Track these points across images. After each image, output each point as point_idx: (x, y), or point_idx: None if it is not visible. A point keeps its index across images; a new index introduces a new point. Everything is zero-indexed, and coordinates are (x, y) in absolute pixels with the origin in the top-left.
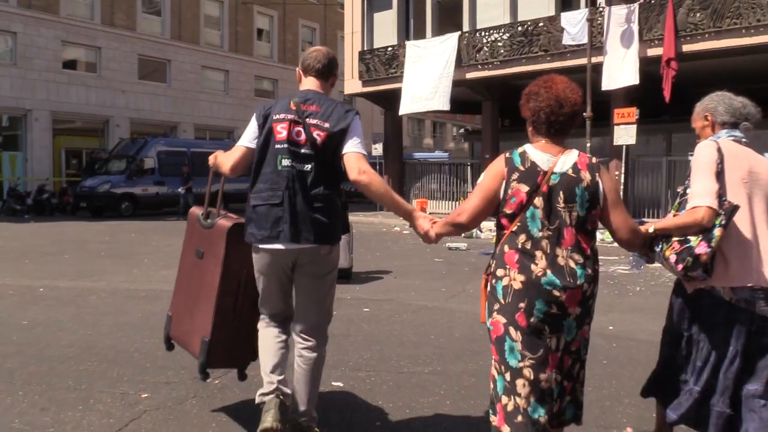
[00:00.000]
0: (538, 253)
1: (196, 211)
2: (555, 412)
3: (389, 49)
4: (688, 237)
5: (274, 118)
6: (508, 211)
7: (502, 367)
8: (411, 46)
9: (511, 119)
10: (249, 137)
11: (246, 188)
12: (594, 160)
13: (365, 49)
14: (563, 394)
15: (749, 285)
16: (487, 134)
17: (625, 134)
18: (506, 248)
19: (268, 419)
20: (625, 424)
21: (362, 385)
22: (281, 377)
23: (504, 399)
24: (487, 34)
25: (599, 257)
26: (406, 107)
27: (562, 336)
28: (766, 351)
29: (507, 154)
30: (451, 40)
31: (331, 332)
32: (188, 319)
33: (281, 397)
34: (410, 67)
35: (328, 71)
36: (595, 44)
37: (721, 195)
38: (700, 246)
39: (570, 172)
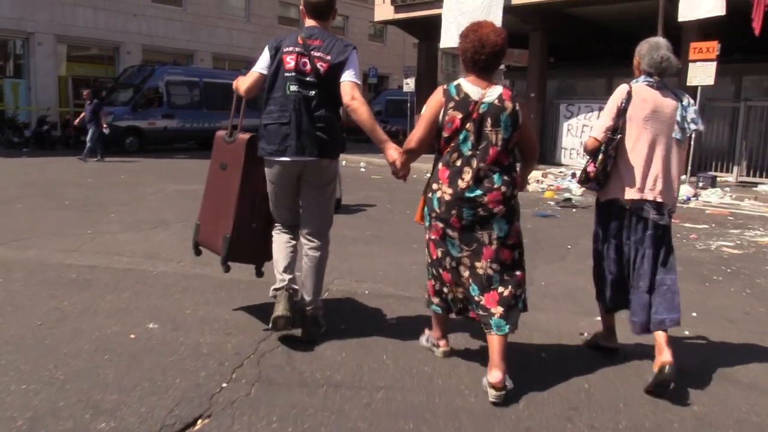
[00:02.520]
0: (466, 169)
1: (221, 132)
2: (499, 297)
3: None
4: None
5: (284, 50)
6: (445, 134)
7: (447, 258)
8: None
9: (558, 55)
10: (262, 64)
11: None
12: (514, 93)
13: None
14: (508, 281)
15: (638, 197)
16: (534, 70)
17: (701, 73)
18: (440, 165)
19: (280, 308)
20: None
21: None
22: (291, 276)
23: (437, 285)
24: None
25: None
26: (449, 40)
27: (493, 232)
28: (662, 248)
29: (444, 86)
30: None
31: (329, 379)
32: (213, 223)
33: (290, 291)
34: None
35: (328, 10)
36: None
37: (615, 129)
38: (590, 165)
39: (496, 102)
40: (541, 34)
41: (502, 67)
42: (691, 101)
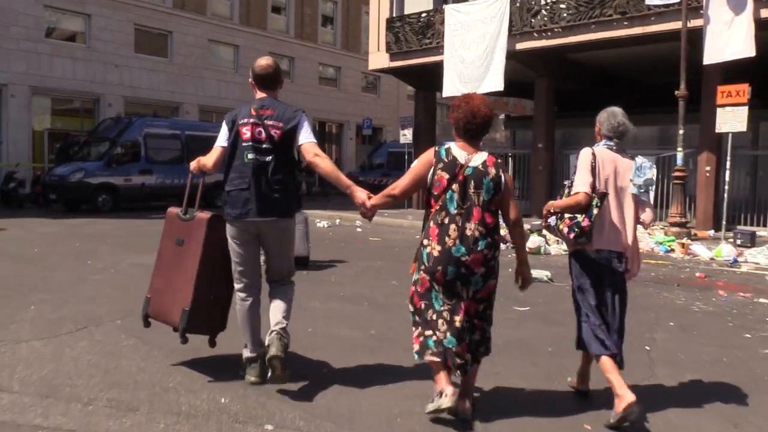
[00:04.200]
0: (452, 227)
1: (173, 209)
2: (468, 345)
3: (423, 15)
4: (575, 214)
5: (240, 122)
6: (434, 192)
7: (429, 311)
8: (450, 11)
9: (563, 103)
10: (222, 139)
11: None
12: (499, 160)
13: (394, 15)
14: (474, 329)
15: (605, 248)
16: (540, 119)
17: (732, 119)
18: (431, 224)
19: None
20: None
21: None
22: (259, 345)
23: (421, 330)
24: None
25: None
26: (451, 88)
27: (470, 288)
28: (617, 293)
29: (436, 148)
30: (501, 2)
31: None
32: (168, 295)
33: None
34: (451, 38)
35: (275, 80)
36: (691, 4)
37: (594, 186)
38: (584, 221)
39: (480, 167)
40: (547, 81)
41: (501, 116)
42: (644, 160)
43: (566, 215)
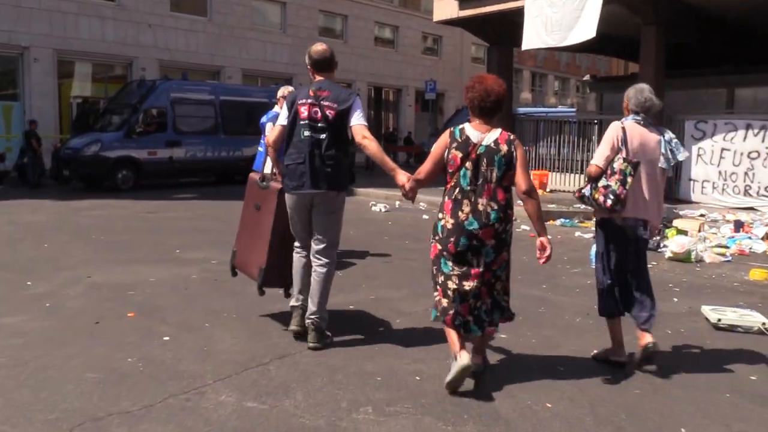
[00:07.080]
0: (465, 202)
1: (254, 176)
2: (475, 310)
3: None
4: (609, 183)
5: (299, 102)
6: (450, 170)
7: (440, 275)
8: None
9: (673, 60)
10: (283, 118)
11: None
12: (512, 136)
13: None
14: (480, 296)
15: (632, 216)
16: (648, 76)
17: None
18: (446, 198)
19: (294, 323)
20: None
21: None
22: (305, 296)
23: (436, 294)
24: None
25: None
26: (534, 39)
27: (482, 258)
28: (641, 258)
29: (451, 129)
30: None
31: None
32: (248, 253)
33: (304, 309)
34: None
35: (331, 64)
36: None
37: (611, 159)
38: (620, 189)
39: (492, 145)
40: (656, 29)
41: (587, 77)
42: (673, 136)
43: (600, 184)
